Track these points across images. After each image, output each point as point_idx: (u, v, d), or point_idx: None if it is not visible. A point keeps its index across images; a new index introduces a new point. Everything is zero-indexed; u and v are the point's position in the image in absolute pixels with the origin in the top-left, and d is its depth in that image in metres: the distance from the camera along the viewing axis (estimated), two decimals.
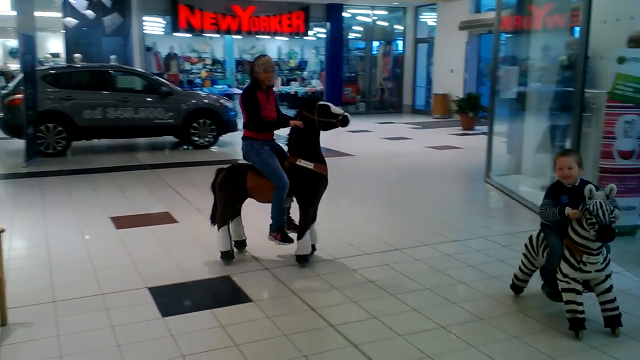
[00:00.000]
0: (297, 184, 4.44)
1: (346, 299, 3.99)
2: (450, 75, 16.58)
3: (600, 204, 3.14)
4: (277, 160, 4.48)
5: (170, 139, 11.68)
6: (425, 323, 3.60)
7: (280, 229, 4.59)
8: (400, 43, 19.36)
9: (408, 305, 3.87)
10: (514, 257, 4.78)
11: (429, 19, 18.28)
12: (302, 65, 20.82)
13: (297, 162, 4.43)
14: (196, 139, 10.97)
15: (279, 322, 3.63)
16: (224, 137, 11.44)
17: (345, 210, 5.76)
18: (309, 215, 4.50)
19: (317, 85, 19.30)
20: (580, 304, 3.36)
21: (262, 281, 4.35)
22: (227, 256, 4.64)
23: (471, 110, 13.76)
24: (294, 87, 19.66)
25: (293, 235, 4.64)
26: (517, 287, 3.99)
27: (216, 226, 4.65)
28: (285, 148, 4.65)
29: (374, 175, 8.74)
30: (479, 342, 3.33)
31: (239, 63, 21.36)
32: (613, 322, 3.38)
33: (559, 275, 3.42)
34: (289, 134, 4.54)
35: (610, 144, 5.15)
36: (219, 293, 4.16)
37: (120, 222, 5.87)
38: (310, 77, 20.28)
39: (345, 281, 4.30)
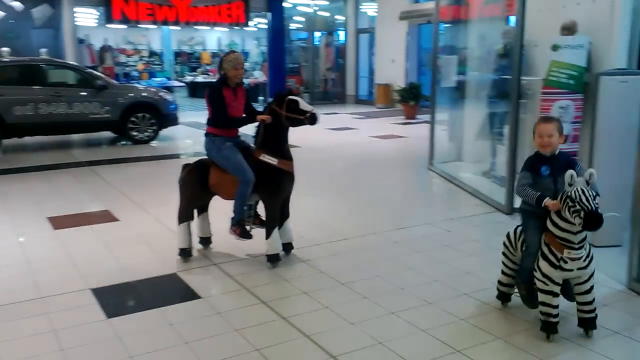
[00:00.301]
0: (260, 179, 4.27)
1: (297, 290, 3.98)
2: (392, 65, 16.79)
3: (582, 190, 2.89)
4: (240, 155, 4.33)
5: (107, 134, 11.28)
6: (377, 310, 3.63)
7: (240, 224, 4.43)
8: (342, 33, 19.44)
9: (359, 293, 3.90)
10: (459, 241, 4.93)
11: (369, 9, 18.42)
12: (243, 56, 20.63)
13: (261, 157, 4.26)
14: (135, 134, 10.63)
15: (229, 318, 3.57)
16: (164, 132, 11.15)
17: (293, 202, 5.68)
18: (274, 214, 4.31)
19: (259, 76, 19.12)
20: (556, 307, 3.13)
21: (210, 277, 4.27)
22: (185, 253, 4.52)
23: (413, 100, 13.99)
24: None
25: (257, 232, 4.51)
26: (504, 294, 3.61)
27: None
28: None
29: (320, 166, 8.74)
30: (428, 325, 3.39)
31: (178, 55, 20.84)
32: (588, 324, 3.18)
33: (537, 274, 3.15)
34: (256, 128, 4.39)
35: None
36: (166, 291, 4.05)
37: (58, 223, 5.61)
38: (252, 69, 20.06)
39: (296, 273, 4.28)
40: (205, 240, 4.78)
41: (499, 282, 3.62)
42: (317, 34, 19.41)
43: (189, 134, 12.19)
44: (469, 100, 7.86)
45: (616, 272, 3.99)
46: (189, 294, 3.94)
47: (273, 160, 4.24)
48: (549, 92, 5.33)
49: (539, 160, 3.23)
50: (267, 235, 4.30)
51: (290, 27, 19.27)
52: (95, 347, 3.24)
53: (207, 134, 4.49)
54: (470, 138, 7.60)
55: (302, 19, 19.54)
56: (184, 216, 4.51)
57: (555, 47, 5.27)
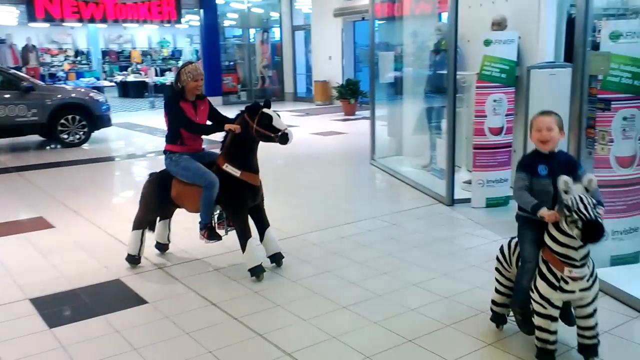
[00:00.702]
0: (221, 190, 4.04)
1: (247, 290, 3.93)
2: (329, 62, 16.90)
3: (580, 198, 2.55)
4: (198, 163, 4.10)
5: (35, 138, 10.74)
6: (327, 305, 3.65)
7: (207, 227, 4.19)
8: (277, 30, 19.37)
9: (309, 289, 3.90)
10: (403, 234, 5.03)
11: (304, 6, 18.44)
12: (175, 54, 20.10)
13: (224, 167, 4.03)
14: (65, 136, 10.20)
15: (179, 321, 3.49)
16: (96, 134, 10.75)
17: None
18: (242, 227, 4.06)
19: None
20: (554, 333, 2.78)
21: (156, 281, 4.15)
22: (131, 260, 4.36)
23: (351, 96, 14.14)
24: (169, 78, 18.95)
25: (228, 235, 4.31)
26: (499, 315, 3.21)
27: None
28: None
29: (261, 164, 8.65)
30: (380, 317, 3.44)
31: (105, 54, 20.13)
32: (589, 351, 2.83)
33: (535, 296, 2.78)
34: (224, 135, 4.15)
35: (482, 122, 5.55)
36: (110, 297, 3.90)
37: None
38: None
39: (244, 273, 4.22)
40: (162, 247, 4.62)
41: (493, 302, 3.21)
42: (252, 31, 19.26)
43: (122, 136, 11.82)
44: (406, 96, 8.04)
45: None
46: (135, 300, 3.82)
47: (235, 172, 4.01)
48: (484, 86, 5.53)
49: (536, 158, 2.85)
50: (242, 249, 4.08)
51: (224, 24, 19.01)
52: (39, 358, 3.08)
53: (164, 152, 4.25)
54: (409, 133, 7.77)
55: (236, 16, 19.32)
56: (138, 224, 4.34)
57: (487, 42, 5.47)
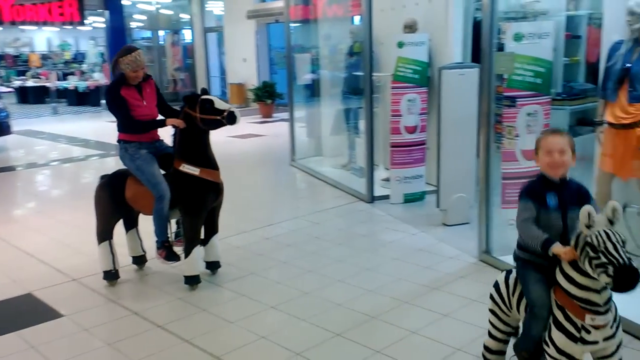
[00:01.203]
0: (180, 193, 3.75)
1: (170, 297, 3.83)
2: (244, 65, 16.77)
3: (607, 234, 2.09)
4: (155, 166, 3.82)
5: None
6: (254, 306, 3.63)
7: (165, 246, 3.88)
8: (188, 32, 18.97)
9: (234, 292, 3.86)
10: (326, 232, 5.10)
11: (215, 7, 18.19)
12: (78, 57, 19.15)
13: (181, 168, 3.75)
14: None
15: (99, 333, 3.34)
16: None
17: None
18: (195, 232, 3.81)
19: (100, 78, 17.97)
20: None
21: (71, 293, 3.94)
22: (109, 276, 3.99)
23: (268, 98, 14.10)
24: (72, 82, 18.02)
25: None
26: None
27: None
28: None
29: None
30: (308, 314, 3.47)
31: (1, 58, 18.82)
32: None
33: (550, 350, 2.29)
34: (173, 135, 3.86)
35: (398, 121, 5.74)
36: (23, 313, 3.65)
37: None
38: (91, 70, 18.79)
39: (167, 278, 4.11)
40: (139, 259, 4.26)
41: (486, 349, 2.71)
42: (162, 33, 18.74)
43: (23, 144, 11.10)
44: (324, 97, 8.15)
45: (468, 247, 4.41)
46: (50, 313, 3.61)
47: (194, 170, 3.73)
48: (398, 87, 5.72)
49: (544, 185, 2.38)
50: (186, 254, 3.80)
51: (131, 26, 18.36)
52: None
53: (118, 141, 3.93)
54: (328, 133, 7.88)
55: (144, 18, 18.72)
56: (101, 235, 3.96)
57: (400, 44, 5.66)
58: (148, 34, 19.00)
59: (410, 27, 5.91)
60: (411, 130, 5.80)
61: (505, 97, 3.96)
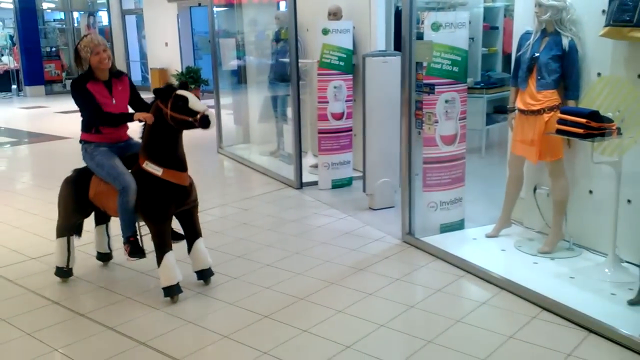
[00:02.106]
0: (140, 193, 3.41)
1: (93, 286, 3.74)
2: (166, 49, 16.28)
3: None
4: (116, 160, 3.50)
5: None
6: (183, 292, 3.60)
7: (130, 241, 3.56)
8: (105, 14, 18.15)
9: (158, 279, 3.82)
10: (255, 218, 5.12)
11: None
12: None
13: (144, 166, 3.40)
14: None
15: (17, 323, 3.22)
16: None
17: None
18: (161, 237, 3.43)
19: (9, 62, 16.87)
20: None
21: None
22: (60, 272, 3.78)
23: (193, 84, 13.79)
24: None
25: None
26: None
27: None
28: None
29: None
30: (235, 299, 3.49)
31: None
32: None
33: None
34: (141, 129, 3.51)
35: (325, 108, 5.82)
36: None
37: None
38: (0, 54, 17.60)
39: (89, 269, 3.98)
40: (103, 256, 4.07)
41: None
42: (76, 15, 17.83)
43: None
44: (251, 84, 8.10)
45: (392, 230, 4.57)
46: None
47: (157, 170, 3.36)
48: (324, 73, 5.79)
49: None
50: (158, 263, 3.45)
51: (42, 7, 17.36)
52: None
53: (80, 141, 3.64)
54: (256, 120, 7.85)
55: None
56: (60, 230, 3.75)
57: (325, 31, 5.73)
58: (61, 15, 18.00)
59: (335, 14, 5.98)
60: (338, 117, 5.89)
61: (425, 84, 4.12)
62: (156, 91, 3.36)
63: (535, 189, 4.11)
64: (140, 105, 3.71)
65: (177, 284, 3.46)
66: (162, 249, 3.43)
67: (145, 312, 3.39)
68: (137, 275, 3.92)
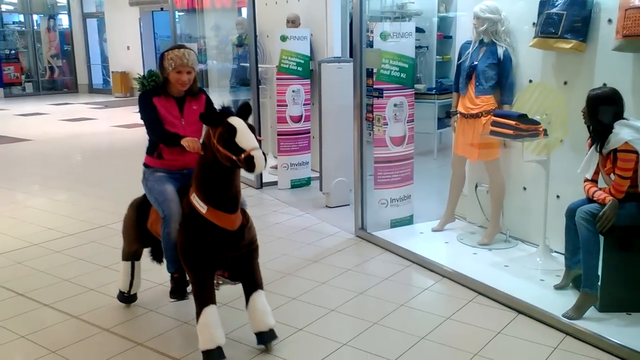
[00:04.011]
0: (181, 230, 2.88)
1: (56, 279, 3.86)
2: (128, 53, 16.25)
3: None
4: (167, 186, 3.01)
5: None
6: (144, 284, 3.77)
7: (173, 278, 3.10)
8: (65, 17, 17.97)
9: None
10: None
11: None
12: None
13: (191, 198, 2.83)
14: None
15: None
16: None
17: (26, 203, 5.38)
18: (199, 287, 2.84)
19: None
20: None
21: None
22: (122, 297, 3.48)
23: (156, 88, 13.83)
24: None
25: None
26: None
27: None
28: None
29: (61, 158, 8.20)
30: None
31: None
32: None
33: None
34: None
35: (284, 111, 6.06)
36: None
37: None
38: None
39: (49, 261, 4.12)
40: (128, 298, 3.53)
41: None
42: (36, 17, 17.61)
43: None
44: (212, 88, 8.27)
45: (347, 225, 4.83)
46: None
47: (202, 207, 2.77)
48: (283, 78, 6.04)
49: None
50: (196, 318, 2.85)
51: (1, 9, 17.10)
52: None
53: (143, 164, 3.22)
54: None
55: (15, 0, 17.46)
56: (123, 254, 3.44)
57: (283, 38, 5.98)
58: (20, 18, 17.74)
59: (293, 22, 6.24)
60: (296, 119, 6.15)
61: (375, 89, 4.42)
62: (204, 116, 2.75)
63: (476, 187, 4.44)
64: None
65: (218, 348, 2.81)
66: (200, 302, 2.83)
67: (106, 301, 3.55)
68: (100, 268, 4.06)
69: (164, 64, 3.05)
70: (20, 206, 5.81)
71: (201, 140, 2.84)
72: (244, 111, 2.73)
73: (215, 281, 3.00)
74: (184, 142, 2.86)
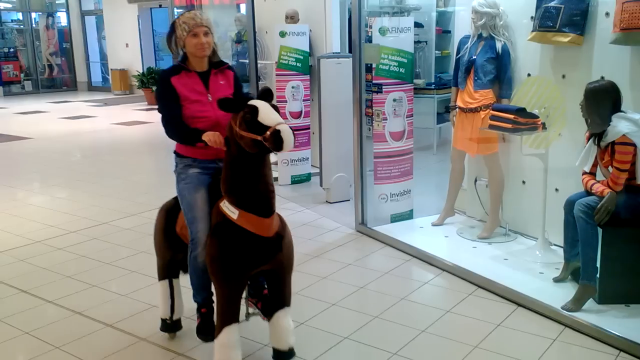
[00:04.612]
0: (211, 239, 2.57)
1: (60, 276, 3.89)
2: (127, 50, 16.25)
3: None
4: (198, 195, 2.67)
5: None
6: (145, 280, 3.79)
7: (201, 313, 2.84)
8: (64, 15, 17.96)
9: (126, 269, 4.01)
10: None
11: None
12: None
13: (222, 205, 2.56)
14: None
15: None
16: None
17: (26, 200, 5.41)
18: (226, 301, 2.54)
19: None
20: None
21: None
22: (165, 326, 3.01)
23: (154, 85, 13.84)
24: None
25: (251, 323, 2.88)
26: None
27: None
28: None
29: (61, 156, 8.22)
30: None
31: None
32: None
33: None
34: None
35: (283, 107, 6.06)
36: None
37: None
38: None
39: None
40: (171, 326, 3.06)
41: None
42: (34, 15, 17.60)
43: None
44: None
45: (347, 220, 4.86)
46: None
47: (232, 212, 2.49)
48: (282, 74, 6.05)
49: None
50: (215, 334, 2.60)
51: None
52: None
53: (174, 152, 2.81)
54: None
55: None
56: (159, 270, 2.99)
57: (282, 34, 5.99)
58: (19, 16, 17.74)
59: (292, 18, 6.24)
60: (296, 115, 6.16)
61: (374, 84, 4.43)
62: (223, 102, 2.45)
63: (475, 181, 4.46)
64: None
65: None
66: (223, 319, 2.56)
67: (111, 297, 3.57)
68: (103, 265, 4.08)
69: (177, 33, 2.66)
70: (21, 204, 5.84)
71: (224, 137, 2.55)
72: (265, 95, 2.51)
73: (246, 308, 2.80)
74: (205, 137, 2.53)
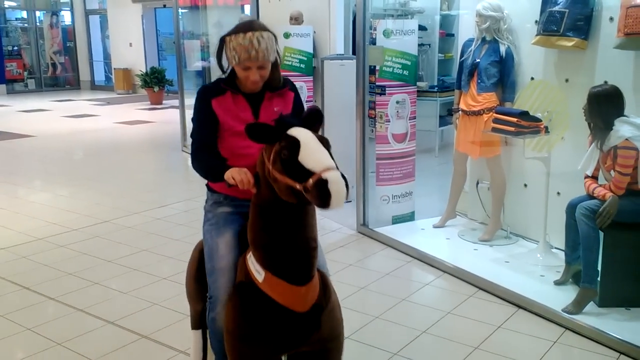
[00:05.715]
0: (232, 301, 2.03)
1: (60, 272, 3.91)
2: (130, 49, 16.29)
3: None
4: (223, 240, 2.16)
5: None
6: (147, 278, 3.80)
7: None
8: (68, 14, 18.01)
9: (126, 267, 4.01)
10: None
11: None
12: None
13: (247, 258, 2.00)
14: None
15: None
16: None
17: (28, 198, 5.42)
18: None
19: None
20: None
21: None
22: None
23: (157, 85, 13.87)
24: None
25: None
26: None
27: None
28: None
29: (63, 154, 8.24)
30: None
31: None
32: None
33: None
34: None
35: None
36: None
37: None
38: None
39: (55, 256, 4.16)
40: None
41: None
42: (39, 14, 17.65)
43: None
44: None
45: (349, 222, 4.86)
46: None
47: (258, 273, 1.92)
48: (287, 75, 6.05)
49: None
50: None
51: (4, 6, 17.15)
52: None
53: (206, 186, 2.31)
54: None
55: None
56: (192, 319, 2.42)
57: (286, 35, 6.01)
58: (23, 14, 17.79)
59: (296, 19, 6.26)
60: None
61: (377, 86, 4.45)
62: (251, 129, 1.84)
63: (477, 183, 4.47)
64: None
65: None
66: None
67: (114, 295, 3.58)
68: (104, 262, 4.10)
69: (226, 54, 2.08)
70: (24, 201, 5.86)
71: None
72: (312, 119, 1.87)
73: None
74: (229, 174, 1.94)
